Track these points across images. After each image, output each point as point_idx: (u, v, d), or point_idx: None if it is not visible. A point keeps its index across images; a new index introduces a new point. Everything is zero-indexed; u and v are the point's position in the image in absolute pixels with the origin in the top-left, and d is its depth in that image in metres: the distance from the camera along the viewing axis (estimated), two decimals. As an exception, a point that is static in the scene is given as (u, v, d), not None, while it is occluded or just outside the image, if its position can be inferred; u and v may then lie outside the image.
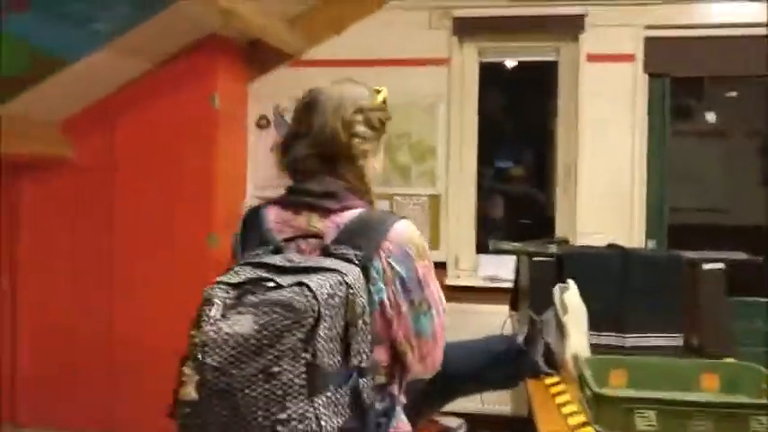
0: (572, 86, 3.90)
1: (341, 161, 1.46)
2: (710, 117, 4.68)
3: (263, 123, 4.14)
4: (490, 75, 4.20)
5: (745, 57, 3.71)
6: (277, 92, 4.08)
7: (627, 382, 1.98)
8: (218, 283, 1.25)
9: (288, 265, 1.28)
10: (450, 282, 3.92)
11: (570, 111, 3.91)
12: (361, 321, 1.25)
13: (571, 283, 2.13)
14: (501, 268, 3.81)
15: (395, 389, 1.44)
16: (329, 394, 1.19)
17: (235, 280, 1.25)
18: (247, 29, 3.63)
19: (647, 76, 3.82)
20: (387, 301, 1.37)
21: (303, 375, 1.16)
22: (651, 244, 3.82)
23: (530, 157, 5.48)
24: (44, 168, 3.93)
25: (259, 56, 4.08)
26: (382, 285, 1.36)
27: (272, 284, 1.21)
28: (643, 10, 3.78)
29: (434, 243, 3.92)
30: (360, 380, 1.25)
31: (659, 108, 3.87)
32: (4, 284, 4.02)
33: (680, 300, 2.42)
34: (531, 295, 2.50)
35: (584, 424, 1.75)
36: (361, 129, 1.47)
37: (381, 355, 1.39)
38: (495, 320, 2.92)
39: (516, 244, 2.86)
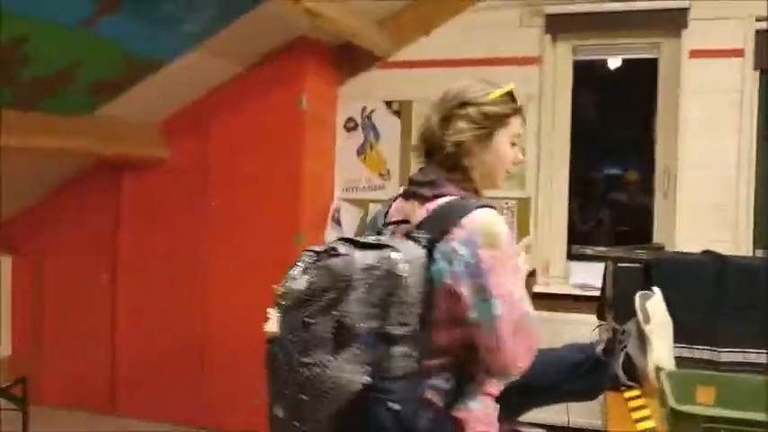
0: (673, 85, 3.67)
1: (439, 152, 1.56)
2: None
3: (350, 126, 4.15)
4: (586, 74, 4.03)
5: None
6: (365, 94, 4.08)
7: (715, 401, 1.82)
8: (308, 249, 1.48)
9: (366, 242, 1.42)
10: (538, 289, 3.77)
11: (672, 111, 3.69)
12: (404, 293, 1.33)
13: (656, 290, 2.00)
14: (593, 276, 3.62)
15: (457, 372, 1.46)
16: (357, 352, 1.30)
17: (317, 248, 1.46)
18: (338, 31, 3.63)
19: (757, 72, 3.54)
20: (448, 281, 1.41)
21: (332, 330, 1.32)
22: (760, 254, 3.53)
23: (637, 161, 5.24)
24: (141, 169, 4.10)
25: (349, 58, 4.08)
26: (444, 266, 1.41)
27: (333, 253, 1.39)
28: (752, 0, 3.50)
29: (523, 248, 3.78)
30: (392, 348, 1.31)
31: (770, 107, 3.57)
32: (105, 282, 4.22)
33: (784, 313, 2.20)
34: (614, 304, 2.35)
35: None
36: (460, 122, 1.54)
37: (441, 337, 1.43)
38: (585, 330, 2.78)
39: (601, 249, 2.70)
